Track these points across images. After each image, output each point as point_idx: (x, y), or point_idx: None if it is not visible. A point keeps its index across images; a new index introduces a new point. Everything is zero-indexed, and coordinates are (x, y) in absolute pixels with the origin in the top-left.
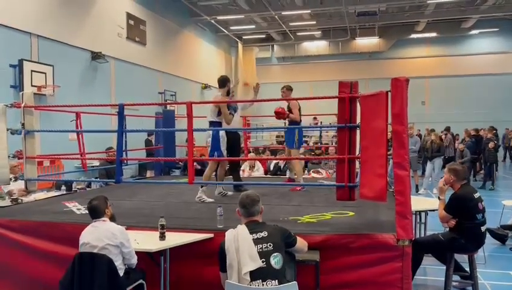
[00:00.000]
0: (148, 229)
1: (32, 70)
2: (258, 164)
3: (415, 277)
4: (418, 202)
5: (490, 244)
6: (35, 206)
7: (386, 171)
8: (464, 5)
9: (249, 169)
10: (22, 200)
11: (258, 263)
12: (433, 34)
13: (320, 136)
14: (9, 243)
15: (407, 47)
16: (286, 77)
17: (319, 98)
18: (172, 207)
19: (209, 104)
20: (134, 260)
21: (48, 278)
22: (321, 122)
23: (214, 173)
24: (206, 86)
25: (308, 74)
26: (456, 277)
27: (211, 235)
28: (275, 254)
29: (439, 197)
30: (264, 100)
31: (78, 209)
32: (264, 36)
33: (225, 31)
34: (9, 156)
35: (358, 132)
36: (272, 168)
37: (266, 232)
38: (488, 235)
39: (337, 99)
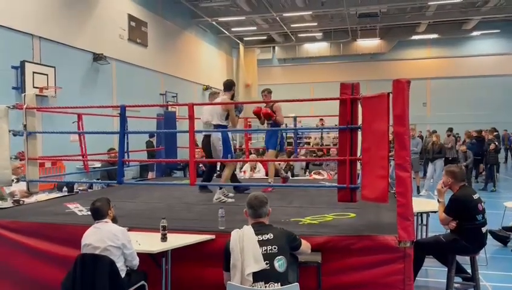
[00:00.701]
0: (150, 231)
1: (34, 72)
2: (259, 165)
3: (416, 278)
4: (419, 204)
5: (492, 245)
6: (37, 208)
7: (388, 172)
8: (465, 7)
9: (251, 170)
10: (23, 201)
11: (262, 265)
12: (435, 36)
13: (322, 138)
14: (11, 244)
15: (408, 48)
16: (287, 79)
17: (320, 99)
18: (174, 208)
19: (209, 105)
20: (136, 262)
21: (49, 280)
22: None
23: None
24: (207, 88)
25: (309, 75)
26: (457, 279)
27: (213, 236)
28: (279, 257)
29: (438, 200)
30: (265, 102)
31: (80, 210)
32: (265, 38)
33: (226, 32)
34: (11, 158)
35: (359, 133)
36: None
37: (272, 235)
38: (489, 236)
39: (338, 100)
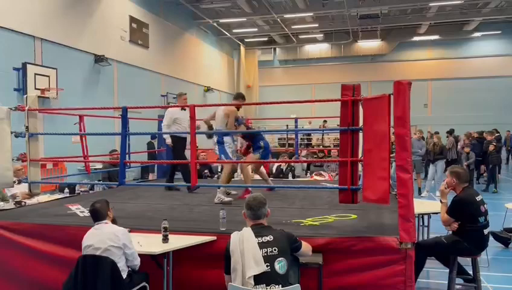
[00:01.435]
0: (151, 232)
1: (35, 74)
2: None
3: (417, 279)
4: (421, 205)
5: (493, 247)
6: (39, 209)
7: (389, 174)
8: (466, 8)
9: (252, 172)
10: (25, 203)
11: (262, 267)
12: (435, 37)
13: (323, 139)
14: (12, 245)
15: (409, 50)
16: (288, 80)
17: (321, 101)
18: (175, 210)
19: (210, 106)
20: (137, 262)
21: (51, 281)
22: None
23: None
24: (208, 89)
25: (310, 76)
26: (459, 280)
27: (214, 237)
28: (280, 258)
29: (441, 201)
30: (266, 103)
31: (81, 211)
32: (266, 39)
33: (227, 34)
34: (13, 159)
35: (361, 134)
36: (274, 170)
37: (272, 237)
38: (491, 238)
39: (339, 102)
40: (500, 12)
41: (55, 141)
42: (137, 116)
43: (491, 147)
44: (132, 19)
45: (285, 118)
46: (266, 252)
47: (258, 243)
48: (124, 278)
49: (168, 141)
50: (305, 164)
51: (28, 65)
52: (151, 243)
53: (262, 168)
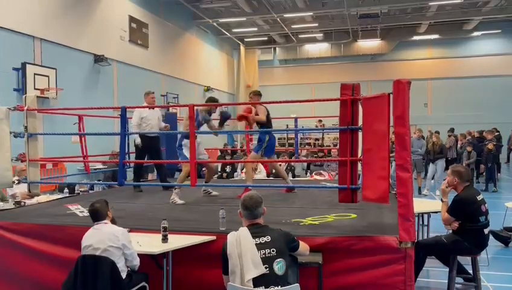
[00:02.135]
0: (151, 232)
1: (35, 74)
2: (260, 166)
3: (417, 279)
4: (420, 204)
5: (493, 246)
6: (38, 209)
7: (389, 173)
8: (466, 7)
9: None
10: (25, 203)
11: (261, 270)
12: (435, 36)
13: (323, 138)
14: (12, 245)
15: (409, 49)
16: (288, 79)
17: (321, 100)
18: (175, 209)
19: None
20: (136, 262)
21: (50, 281)
22: (323, 124)
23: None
24: (208, 89)
25: (310, 76)
26: (459, 279)
27: (214, 237)
28: (278, 259)
29: (441, 200)
30: (266, 102)
31: (81, 212)
32: (266, 38)
33: (227, 33)
34: (12, 159)
35: (360, 134)
36: (274, 170)
37: (269, 237)
38: (491, 237)
39: (339, 101)
40: (500, 11)
41: (54, 141)
42: None
43: (490, 146)
44: (132, 19)
45: (285, 117)
46: (264, 253)
47: (256, 244)
48: (124, 278)
49: (138, 140)
50: (305, 164)
51: (27, 65)
52: (151, 243)
53: (277, 166)
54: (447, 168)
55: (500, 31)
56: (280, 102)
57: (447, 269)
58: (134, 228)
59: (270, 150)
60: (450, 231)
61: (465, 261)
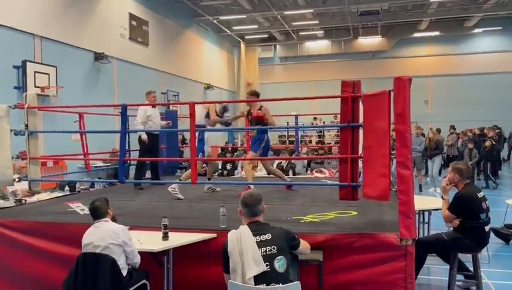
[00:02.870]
0: (152, 229)
1: (35, 72)
2: (260, 164)
3: (418, 276)
4: (421, 202)
5: (494, 243)
6: (39, 207)
7: (389, 170)
8: (467, 4)
9: (252, 169)
10: (25, 200)
11: (262, 267)
12: (436, 33)
13: (323, 136)
14: (12, 243)
15: (409, 46)
16: (288, 77)
17: (321, 97)
18: (175, 207)
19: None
20: (137, 259)
21: (51, 279)
22: (324, 121)
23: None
24: (208, 86)
25: (310, 73)
26: (459, 277)
27: (214, 235)
28: (279, 257)
29: (442, 197)
30: (267, 100)
31: (82, 209)
32: (266, 36)
33: (227, 31)
34: (12, 157)
35: (361, 131)
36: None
37: (270, 235)
38: (492, 234)
39: (339, 98)
40: (501, 8)
41: (55, 139)
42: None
43: (487, 143)
44: (132, 17)
45: (285, 115)
46: (265, 251)
47: (257, 242)
48: (124, 275)
49: (144, 137)
50: (305, 161)
51: (27, 63)
52: (151, 241)
53: (270, 167)
54: (446, 166)
55: (501, 28)
56: (280, 99)
57: (448, 267)
58: (134, 225)
59: (267, 150)
60: (451, 229)
61: (466, 258)
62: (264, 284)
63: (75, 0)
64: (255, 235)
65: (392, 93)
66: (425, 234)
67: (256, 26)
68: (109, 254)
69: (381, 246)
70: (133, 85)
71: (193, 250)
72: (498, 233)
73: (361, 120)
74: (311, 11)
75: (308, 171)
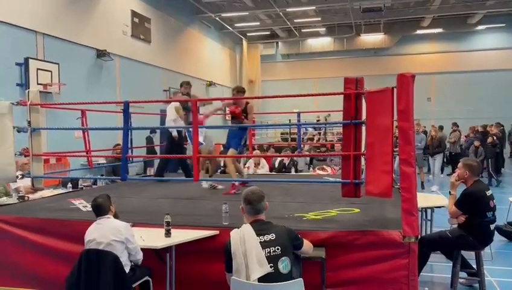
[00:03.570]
0: (154, 226)
1: (38, 69)
2: (263, 161)
3: (421, 273)
4: (424, 199)
5: (497, 241)
6: (42, 204)
7: (392, 167)
8: (470, 1)
9: (254, 166)
10: (28, 197)
11: (266, 269)
12: (439, 30)
13: (325, 133)
14: (15, 240)
15: (412, 43)
16: (291, 74)
17: (324, 94)
18: (178, 204)
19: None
20: (139, 256)
21: (54, 275)
22: (326, 118)
23: None
24: (210, 84)
25: (313, 70)
26: (462, 274)
27: (217, 232)
28: (283, 258)
29: (450, 192)
30: (268, 97)
31: (84, 206)
32: (268, 33)
33: (230, 28)
34: (15, 154)
35: (364, 128)
36: (276, 165)
37: (274, 235)
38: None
39: (342, 96)
40: (504, 5)
41: (57, 136)
42: (139, 111)
43: (489, 140)
44: (134, 14)
45: (287, 112)
46: (269, 252)
47: (260, 242)
48: (127, 272)
49: (175, 134)
50: (308, 158)
51: (30, 60)
52: (154, 238)
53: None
54: (448, 164)
55: (504, 25)
56: (282, 96)
57: (451, 264)
58: (137, 222)
59: (243, 146)
60: (454, 226)
61: (469, 255)
62: None
63: None
64: (258, 235)
65: (395, 90)
66: (428, 232)
67: (258, 23)
68: (112, 251)
69: (384, 243)
70: (135, 82)
71: (195, 247)
72: (501, 231)
73: (364, 117)
74: (314, 8)
75: (311, 169)
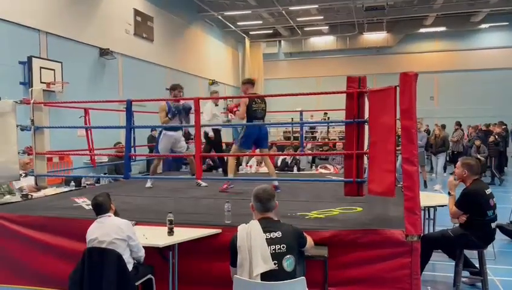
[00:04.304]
0: (157, 225)
1: (41, 67)
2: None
3: (423, 272)
4: (426, 198)
5: (500, 240)
6: (45, 202)
7: (395, 166)
8: None
9: (257, 165)
10: (31, 196)
11: (270, 265)
12: (442, 29)
13: (328, 132)
14: (19, 238)
15: (415, 42)
16: (293, 73)
17: (326, 93)
18: (181, 203)
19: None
20: (141, 253)
21: (57, 273)
22: (328, 117)
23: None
24: (213, 82)
25: (315, 69)
26: (465, 273)
27: (219, 230)
28: (288, 256)
29: (449, 193)
30: (270, 95)
31: (87, 204)
32: (271, 32)
33: (232, 26)
34: (19, 152)
35: (366, 127)
36: (279, 163)
37: (280, 233)
38: (497, 231)
39: (345, 94)
40: (508, 3)
41: (60, 135)
42: (142, 110)
43: (491, 139)
44: (137, 12)
45: (290, 111)
46: (274, 249)
47: (266, 239)
48: (130, 270)
49: (211, 134)
50: (310, 157)
51: (33, 59)
52: (157, 236)
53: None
54: (451, 162)
55: (507, 23)
56: (285, 95)
57: (453, 263)
58: (140, 221)
59: (245, 142)
60: (457, 225)
61: (472, 254)
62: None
63: None
64: (265, 231)
65: (398, 88)
66: (431, 230)
67: (261, 22)
68: (114, 249)
69: (387, 242)
70: (138, 81)
71: (198, 245)
72: (504, 230)
73: (366, 116)
74: (316, 6)
75: (313, 167)
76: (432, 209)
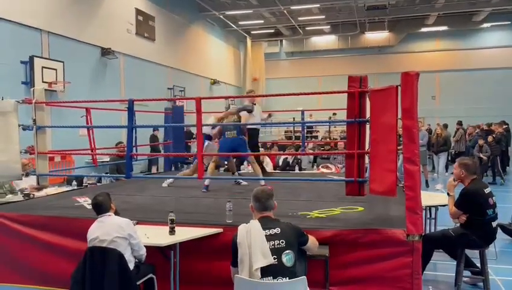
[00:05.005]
0: (158, 224)
1: (43, 67)
2: (267, 159)
3: (425, 272)
4: (428, 197)
5: (501, 239)
6: (47, 201)
7: (396, 166)
8: None
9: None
10: (33, 195)
11: (270, 260)
12: (444, 28)
13: (330, 131)
14: (21, 237)
15: (417, 41)
16: (295, 72)
17: (328, 93)
18: (182, 202)
19: (217, 98)
20: (142, 252)
21: (58, 272)
22: (330, 117)
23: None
24: (215, 82)
25: (317, 68)
26: (466, 273)
27: (220, 229)
28: (287, 251)
29: (448, 193)
30: (272, 95)
31: (89, 204)
32: (272, 31)
33: (234, 26)
34: (21, 152)
35: (368, 126)
36: (280, 163)
37: (279, 229)
38: (499, 230)
39: (346, 94)
40: (510, 3)
41: (62, 134)
42: (143, 109)
43: (489, 139)
44: (138, 12)
45: (291, 110)
46: (273, 244)
47: (266, 235)
48: (131, 269)
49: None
50: (311, 157)
51: (35, 58)
52: (158, 235)
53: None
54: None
55: (509, 22)
56: (286, 94)
57: (455, 263)
58: (141, 220)
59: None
60: (458, 224)
61: (473, 254)
62: (271, 277)
63: None
64: (264, 229)
65: (399, 88)
66: (432, 230)
67: (262, 21)
68: (116, 248)
69: (388, 241)
70: (140, 80)
71: (199, 244)
72: (505, 229)
73: (368, 115)
74: (318, 5)
75: (314, 167)
76: (433, 209)
